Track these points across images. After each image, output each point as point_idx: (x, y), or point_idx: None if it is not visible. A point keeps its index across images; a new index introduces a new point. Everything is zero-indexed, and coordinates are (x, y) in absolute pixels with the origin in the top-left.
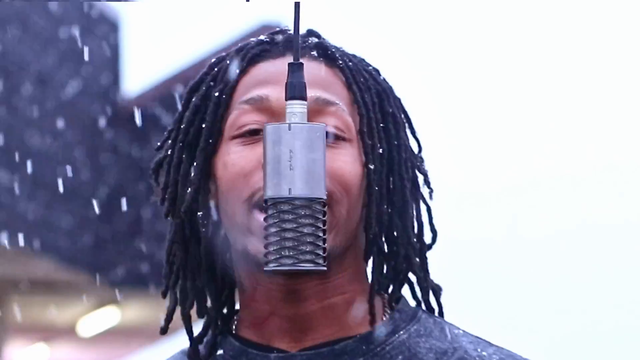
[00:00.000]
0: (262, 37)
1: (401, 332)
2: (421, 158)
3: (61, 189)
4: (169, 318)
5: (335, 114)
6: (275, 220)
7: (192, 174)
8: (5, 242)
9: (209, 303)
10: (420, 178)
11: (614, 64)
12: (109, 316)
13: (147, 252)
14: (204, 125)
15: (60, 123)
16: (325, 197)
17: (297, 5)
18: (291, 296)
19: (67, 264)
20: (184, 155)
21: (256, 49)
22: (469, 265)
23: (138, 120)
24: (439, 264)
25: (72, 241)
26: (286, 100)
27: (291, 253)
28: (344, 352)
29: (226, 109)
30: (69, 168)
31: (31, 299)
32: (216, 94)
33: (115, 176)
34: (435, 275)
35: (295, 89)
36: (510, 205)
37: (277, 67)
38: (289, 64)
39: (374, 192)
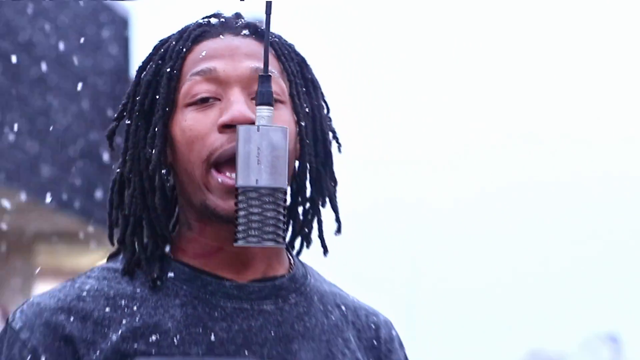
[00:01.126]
0: (199, 20)
1: (309, 277)
2: (330, 118)
3: (79, 155)
4: (135, 262)
5: (272, 81)
6: (244, 205)
7: (155, 138)
8: (34, 201)
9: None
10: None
11: (522, 35)
12: None
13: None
14: (157, 97)
15: (79, 100)
16: (285, 188)
17: (268, 4)
18: None
19: (85, 218)
20: (139, 123)
21: (197, 30)
22: (384, 226)
23: None
24: (364, 225)
25: (89, 199)
26: (256, 105)
27: (256, 233)
28: (282, 287)
29: (178, 81)
30: (86, 137)
31: (55, 248)
32: (168, 69)
33: None
34: (357, 236)
35: (264, 97)
36: (422, 174)
37: (218, 44)
38: (260, 75)
39: (305, 145)
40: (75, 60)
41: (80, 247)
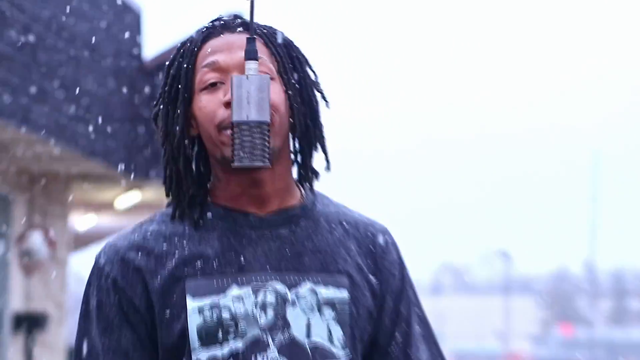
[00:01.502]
0: (206, 24)
1: (317, 204)
2: (318, 82)
3: (103, 114)
4: (180, 208)
5: (262, 64)
6: (238, 135)
7: (179, 118)
8: (67, 149)
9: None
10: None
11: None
12: (134, 196)
13: (158, 154)
14: (180, 86)
15: (103, 73)
16: (269, 121)
17: (252, 1)
18: (255, 182)
19: (108, 162)
20: (169, 107)
21: (205, 32)
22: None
23: (155, 72)
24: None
25: (111, 147)
26: (245, 60)
27: (248, 156)
28: (294, 215)
29: (193, 73)
30: (109, 101)
31: (85, 186)
32: (185, 65)
33: (138, 107)
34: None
35: (250, 54)
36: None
37: (219, 41)
38: (247, 38)
39: (294, 108)
40: (97, 42)
41: (104, 185)
